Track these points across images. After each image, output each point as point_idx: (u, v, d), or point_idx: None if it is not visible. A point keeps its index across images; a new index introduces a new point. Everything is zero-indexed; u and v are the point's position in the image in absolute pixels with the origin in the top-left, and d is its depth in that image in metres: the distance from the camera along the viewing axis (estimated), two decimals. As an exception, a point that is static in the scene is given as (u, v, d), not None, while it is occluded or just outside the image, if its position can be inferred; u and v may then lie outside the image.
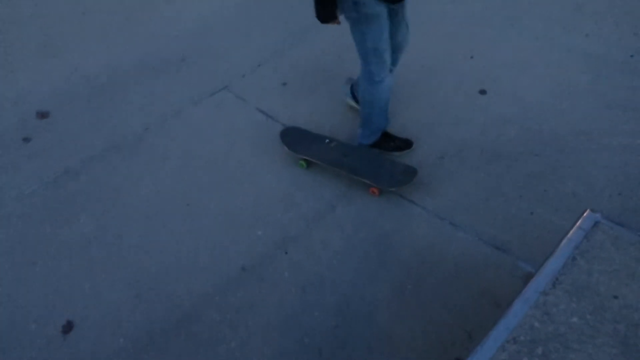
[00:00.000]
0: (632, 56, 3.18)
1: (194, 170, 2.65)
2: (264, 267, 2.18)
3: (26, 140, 2.88)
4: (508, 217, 2.30)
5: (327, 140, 2.64)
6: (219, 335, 1.95)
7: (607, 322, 1.20)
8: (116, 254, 2.27)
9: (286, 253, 2.23)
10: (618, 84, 2.99)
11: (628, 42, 3.30)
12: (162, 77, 3.33)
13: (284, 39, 3.60)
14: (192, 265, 2.21)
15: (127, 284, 2.15)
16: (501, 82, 3.09)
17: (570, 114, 2.82)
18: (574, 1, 3.70)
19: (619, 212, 2.25)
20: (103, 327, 2.01)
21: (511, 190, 2.43)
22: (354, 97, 2.86)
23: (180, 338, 1.95)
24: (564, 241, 1.42)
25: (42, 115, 3.05)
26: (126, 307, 2.07)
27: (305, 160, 2.58)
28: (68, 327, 2.01)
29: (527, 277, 1.36)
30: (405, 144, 2.64)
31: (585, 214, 1.49)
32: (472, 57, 3.31)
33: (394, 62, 2.46)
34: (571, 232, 1.44)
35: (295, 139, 2.67)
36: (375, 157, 2.55)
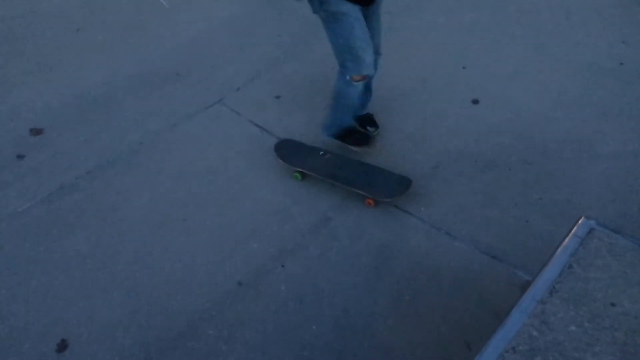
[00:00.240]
0: (621, 64, 3.23)
1: (189, 185, 2.65)
2: (261, 281, 2.17)
3: (20, 157, 2.87)
4: (504, 225, 2.31)
5: (321, 152, 2.65)
6: (216, 351, 1.93)
7: (605, 329, 1.20)
8: (111, 271, 2.25)
9: (283, 266, 2.22)
10: (609, 92, 3.02)
11: (617, 50, 3.35)
12: (156, 92, 3.34)
13: (278, 52, 3.62)
14: (188, 280, 2.19)
15: (122, 301, 2.13)
16: (494, 91, 3.12)
17: (563, 122, 2.85)
18: (563, 11, 3.76)
19: (613, 219, 2.26)
20: (98, 344, 1.98)
21: (506, 198, 2.43)
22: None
23: (177, 354, 1.93)
24: (560, 249, 1.42)
25: (36, 131, 3.04)
26: (122, 324, 2.04)
27: (300, 172, 2.58)
28: (62, 346, 1.98)
29: (525, 286, 1.36)
30: (364, 140, 2.66)
31: (580, 221, 1.49)
32: (464, 68, 3.34)
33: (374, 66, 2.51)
34: (566, 239, 1.44)
35: (290, 152, 2.68)
36: (370, 168, 2.55)
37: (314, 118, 2.95)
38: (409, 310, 2.01)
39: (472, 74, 3.27)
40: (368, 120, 2.83)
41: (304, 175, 2.59)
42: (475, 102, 3.04)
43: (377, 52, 2.48)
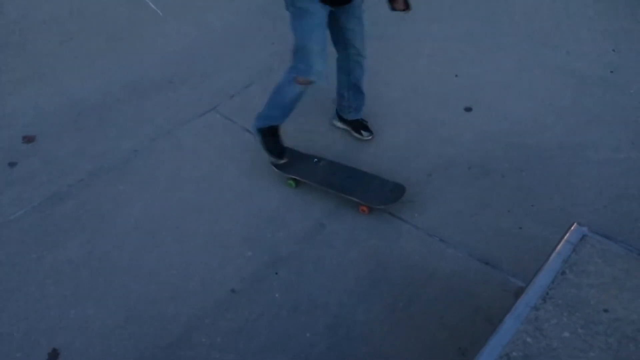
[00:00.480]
0: (612, 72, 3.26)
1: (182, 192, 2.64)
2: (254, 289, 2.16)
3: (12, 164, 2.85)
4: (497, 232, 2.31)
5: (315, 160, 2.65)
6: (210, 359, 1.92)
7: (599, 335, 1.21)
8: (104, 279, 2.23)
9: (276, 274, 2.21)
10: (600, 100, 3.05)
11: (607, 59, 3.38)
12: (150, 99, 3.33)
13: (271, 61, 3.63)
14: (181, 288, 2.18)
15: (115, 309, 2.11)
16: (486, 99, 3.14)
17: (555, 129, 2.87)
18: (553, 20, 3.80)
19: (605, 225, 2.27)
20: (90, 354, 1.96)
21: (499, 205, 2.44)
22: (340, 118, 2.89)
23: (170, 363, 1.91)
24: (553, 255, 1.43)
25: (29, 139, 3.02)
26: (114, 332, 2.02)
27: (293, 179, 2.58)
28: (54, 355, 1.95)
29: (518, 292, 1.37)
30: (278, 150, 2.60)
31: (572, 228, 1.50)
32: (456, 76, 3.36)
33: (359, 77, 2.60)
34: (559, 245, 1.45)
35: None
36: (364, 175, 2.56)
37: (308, 125, 2.96)
38: (403, 317, 2.01)
39: (464, 82, 3.30)
40: (362, 126, 2.84)
41: (297, 183, 2.59)
42: (468, 109, 3.06)
43: (360, 55, 2.51)
